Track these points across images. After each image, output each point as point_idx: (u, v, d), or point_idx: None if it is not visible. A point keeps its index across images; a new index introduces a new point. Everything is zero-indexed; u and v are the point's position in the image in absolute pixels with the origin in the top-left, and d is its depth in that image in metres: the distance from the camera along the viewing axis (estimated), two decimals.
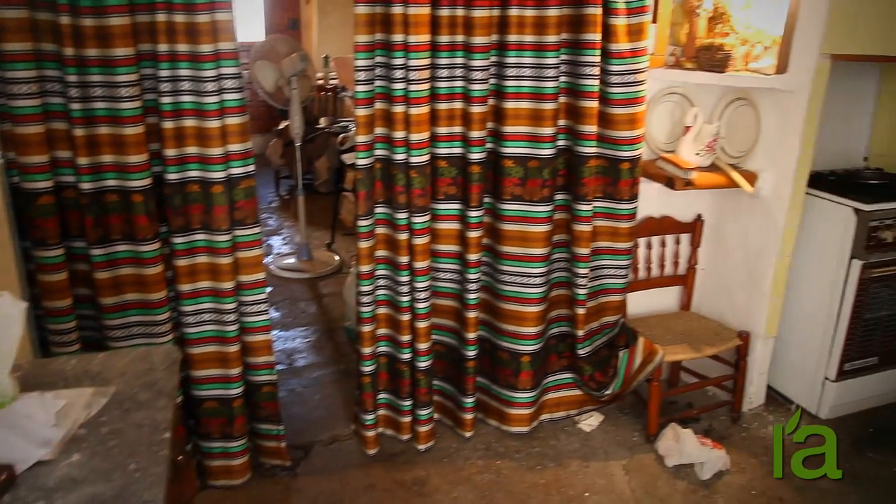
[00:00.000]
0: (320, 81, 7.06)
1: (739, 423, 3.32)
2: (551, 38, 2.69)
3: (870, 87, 3.66)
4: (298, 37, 8.55)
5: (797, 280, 3.31)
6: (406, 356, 2.95)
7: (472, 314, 2.94)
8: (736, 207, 3.32)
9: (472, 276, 2.89)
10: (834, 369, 3.27)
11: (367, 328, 2.89)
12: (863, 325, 3.22)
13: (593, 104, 2.76)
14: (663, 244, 3.39)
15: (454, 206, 2.87)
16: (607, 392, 3.13)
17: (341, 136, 5.86)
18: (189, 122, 2.43)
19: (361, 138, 2.70)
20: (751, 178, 3.11)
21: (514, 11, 2.67)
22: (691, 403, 3.46)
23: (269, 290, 4.65)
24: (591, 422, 3.28)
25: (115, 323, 2.56)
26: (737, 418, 3.33)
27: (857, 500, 2.86)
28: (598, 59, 2.72)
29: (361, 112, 2.68)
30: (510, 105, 2.77)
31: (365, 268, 2.83)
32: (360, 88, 2.66)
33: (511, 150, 2.81)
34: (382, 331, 2.98)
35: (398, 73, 2.60)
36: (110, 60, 2.31)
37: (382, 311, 2.96)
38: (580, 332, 3.05)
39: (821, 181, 3.33)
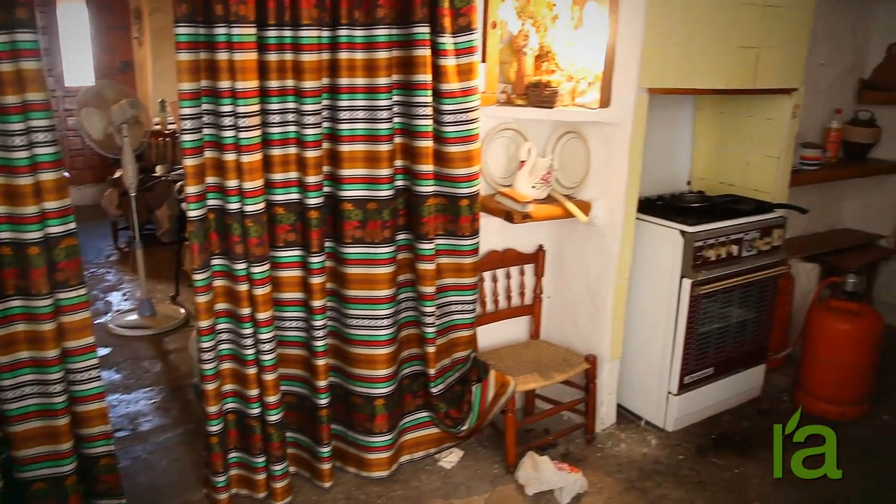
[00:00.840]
0: (157, 127, 6.78)
1: (594, 444, 3.42)
2: (382, 81, 2.70)
3: (687, 117, 3.92)
4: (132, 80, 8.19)
5: (636, 302, 3.46)
6: (255, 411, 2.83)
7: (321, 361, 2.87)
8: (574, 236, 3.44)
9: (318, 323, 2.83)
10: (675, 383, 3.43)
11: (211, 386, 2.76)
12: (697, 340, 3.41)
13: (428, 144, 2.79)
14: (508, 276, 3.46)
15: (295, 253, 2.80)
16: (464, 428, 3.13)
17: (180, 183, 5.62)
18: None
19: (192, 189, 2.59)
20: (585, 207, 3.23)
21: (343, 55, 2.67)
22: (548, 429, 3.52)
23: (105, 352, 4.38)
24: (451, 458, 3.26)
25: None
26: (591, 440, 3.43)
27: None
28: (430, 99, 2.76)
29: (190, 162, 2.57)
30: (345, 148, 2.75)
31: (204, 323, 2.70)
32: (188, 137, 2.56)
33: (349, 193, 2.78)
34: (228, 386, 2.85)
35: (227, 121, 2.53)
36: None
37: (227, 366, 2.83)
38: (432, 371, 3.04)
39: (650, 206, 3.52)
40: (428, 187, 2.84)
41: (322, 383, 2.89)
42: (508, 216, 3.05)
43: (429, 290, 2.94)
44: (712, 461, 3.33)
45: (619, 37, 3.03)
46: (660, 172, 3.87)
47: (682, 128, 3.95)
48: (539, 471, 3.03)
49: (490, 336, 3.44)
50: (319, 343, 2.85)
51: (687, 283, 3.28)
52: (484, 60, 3.06)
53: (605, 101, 3.09)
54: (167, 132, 6.75)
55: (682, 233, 3.26)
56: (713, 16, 3.19)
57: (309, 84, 2.61)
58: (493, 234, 3.33)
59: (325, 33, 2.64)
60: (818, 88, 4.69)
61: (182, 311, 5.03)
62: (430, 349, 3.01)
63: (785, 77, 3.59)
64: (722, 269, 3.38)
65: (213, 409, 2.78)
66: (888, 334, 4.75)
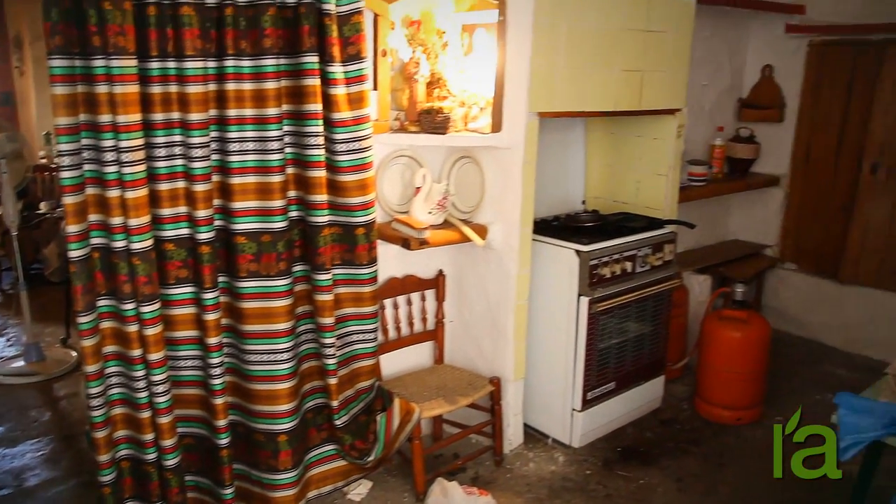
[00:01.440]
0: (43, 161, 6.49)
1: (503, 465, 3.43)
2: (272, 111, 2.66)
3: (579, 138, 4.03)
4: (14, 113, 7.81)
5: (537, 322, 3.51)
6: (151, 456, 2.72)
7: (219, 400, 2.78)
8: (474, 260, 3.47)
9: (215, 361, 2.74)
10: (579, 400, 3.49)
11: (101, 433, 2.63)
12: (598, 356, 3.48)
13: (321, 174, 2.77)
14: (409, 302, 3.45)
15: (187, 290, 2.71)
16: (370, 458, 3.09)
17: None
18: None
19: (73, 228, 2.49)
20: (482, 230, 3.27)
21: (231, 86, 2.62)
22: (457, 454, 3.51)
23: None
24: (360, 491, 3.21)
25: None
26: (500, 461, 3.44)
27: None
28: (321, 129, 2.74)
29: (70, 199, 2.47)
30: (236, 180, 2.69)
31: (92, 368, 2.58)
32: (67, 174, 2.46)
33: (242, 225, 2.72)
34: (121, 432, 2.73)
35: (109, 156, 2.44)
36: None
37: (119, 411, 2.71)
38: (335, 403, 2.99)
39: (546, 227, 3.59)
40: (323, 217, 2.81)
41: (221, 422, 2.80)
42: (405, 243, 3.05)
43: (328, 321, 2.89)
44: (618, 474, 3.39)
45: (507, 63, 3.09)
46: (556, 193, 3.96)
47: (575, 149, 4.06)
48: (449, 497, 3.01)
49: (394, 363, 3.42)
50: (217, 381, 2.76)
51: (584, 300, 3.35)
52: (375, 88, 3.07)
53: (496, 126, 3.14)
54: (54, 166, 6.46)
55: (578, 252, 3.33)
56: (597, 41, 3.30)
57: (195, 116, 2.55)
58: (392, 261, 3.32)
59: (211, 64, 2.59)
60: (702, 108, 4.93)
61: (74, 354, 4.79)
62: (332, 381, 2.96)
63: (668, 98, 3.74)
64: (617, 285, 3.48)
65: (104, 457, 2.66)
66: (780, 338, 5.02)
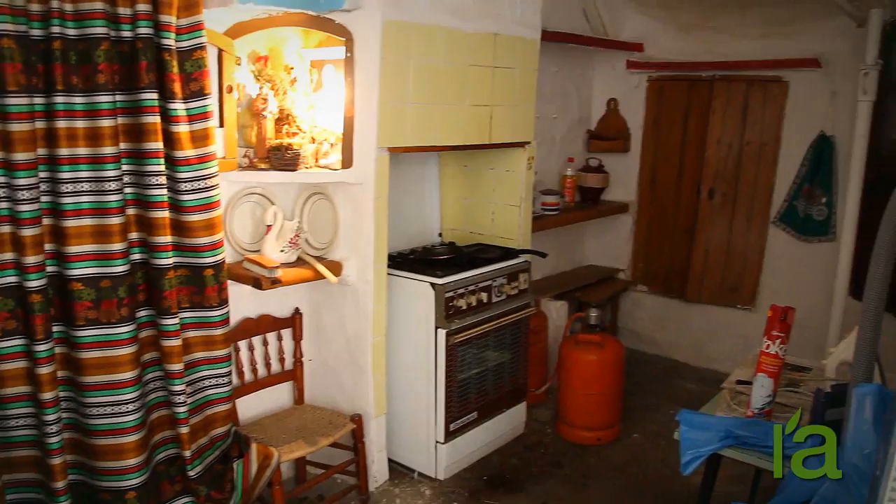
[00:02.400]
0: None
1: (370, 503, 3.37)
2: (109, 150, 2.54)
3: (433, 172, 4.09)
4: None
5: (396, 356, 3.50)
6: None
7: (56, 460, 2.58)
8: (331, 297, 3.42)
9: (50, 418, 2.55)
10: (442, 432, 3.50)
11: None
12: (458, 387, 3.51)
13: (164, 214, 2.66)
14: (265, 343, 3.36)
15: (16, 343, 2.51)
16: None
17: None
18: None
19: None
20: (336, 267, 3.24)
21: (62, 123, 2.48)
22: (322, 495, 3.42)
23: None
24: None
25: None
26: (366, 499, 3.38)
27: None
28: (163, 168, 2.64)
29: None
30: (71, 223, 2.54)
31: None
32: None
33: (78, 271, 2.56)
34: None
35: None
36: None
37: None
38: (188, 453, 2.85)
39: (403, 261, 3.60)
40: (167, 259, 2.69)
41: (60, 485, 2.60)
42: (257, 283, 2.97)
43: (176, 367, 2.76)
44: (485, 503, 3.41)
45: (356, 99, 3.10)
46: (413, 226, 3.99)
47: (430, 182, 4.12)
48: None
49: (252, 407, 3.31)
50: (53, 440, 2.56)
51: (442, 333, 3.37)
52: (222, 125, 3.00)
53: (347, 162, 3.13)
54: None
55: (433, 285, 3.36)
56: (446, 77, 3.37)
57: (21, 156, 2.39)
58: (245, 301, 3.23)
59: (39, 100, 2.45)
60: (553, 140, 5.13)
61: None
62: (184, 430, 2.82)
63: (518, 132, 3.87)
64: (474, 316, 3.52)
65: None
66: (636, 357, 5.25)
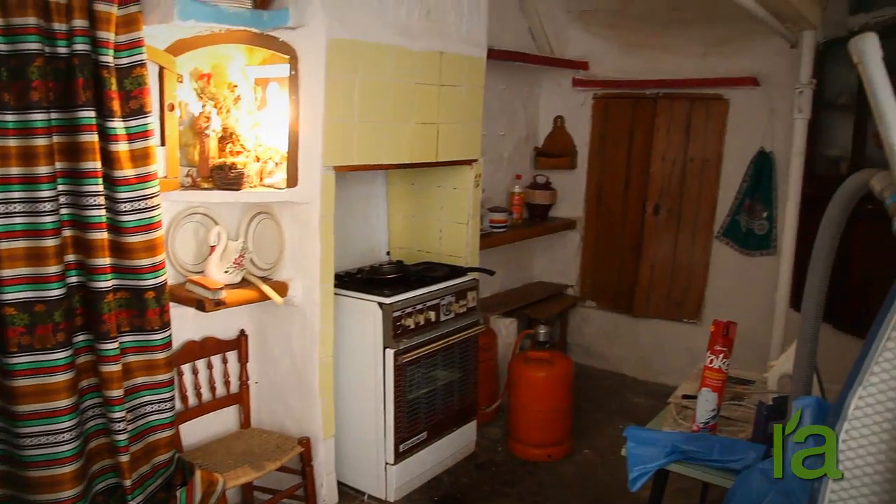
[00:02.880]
0: None
1: None
2: (43, 170, 2.46)
3: (380, 190, 4.07)
4: None
5: (344, 377, 3.46)
6: None
7: None
8: (277, 318, 3.36)
9: None
10: (391, 453, 3.46)
11: None
12: (407, 407, 3.48)
13: (102, 235, 2.58)
14: (210, 366, 3.28)
15: None
16: None
17: None
18: None
19: None
20: (282, 287, 3.19)
21: None
22: None
23: None
24: None
25: None
26: None
27: None
28: (101, 188, 2.56)
29: None
30: (3, 246, 2.44)
31: None
32: None
33: (10, 295, 2.46)
34: None
35: None
36: None
37: None
38: (128, 482, 2.75)
39: (350, 280, 3.57)
40: (105, 282, 2.61)
41: None
42: (200, 305, 2.90)
43: (116, 393, 2.68)
44: None
45: (301, 117, 3.07)
46: (360, 245, 3.96)
47: (377, 201, 4.09)
48: None
49: (196, 432, 3.23)
50: None
51: (390, 353, 3.33)
52: (163, 144, 2.94)
53: (292, 181, 3.09)
54: None
55: (380, 304, 3.33)
56: (392, 96, 3.36)
57: None
58: (189, 324, 3.15)
59: None
60: (501, 157, 5.16)
61: None
62: (124, 458, 2.73)
63: (465, 150, 3.87)
64: (422, 335, 3.50)
65: None
66: (585, 372, 5.28)
